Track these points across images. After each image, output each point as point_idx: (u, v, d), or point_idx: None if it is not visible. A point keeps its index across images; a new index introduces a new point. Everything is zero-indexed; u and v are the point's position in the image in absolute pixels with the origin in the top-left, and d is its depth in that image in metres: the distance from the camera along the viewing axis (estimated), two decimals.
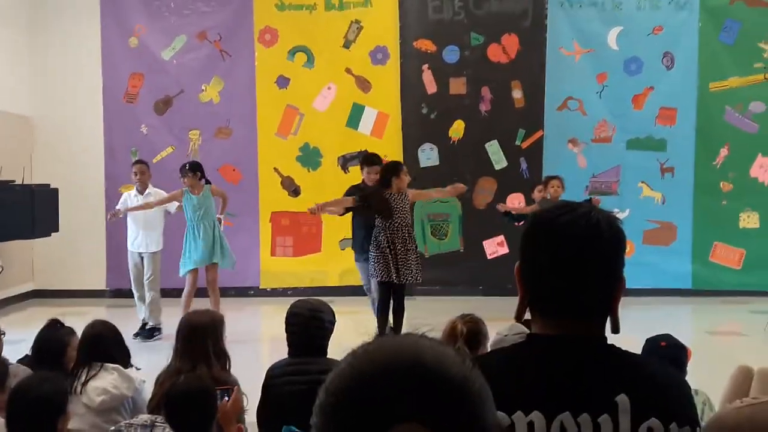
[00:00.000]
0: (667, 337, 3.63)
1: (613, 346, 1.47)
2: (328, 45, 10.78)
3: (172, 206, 8.34)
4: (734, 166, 10.58)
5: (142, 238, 8.30)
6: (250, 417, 3.65)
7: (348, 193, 7.70)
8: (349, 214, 7.83)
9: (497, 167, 10.72)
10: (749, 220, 10.64)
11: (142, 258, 8.31)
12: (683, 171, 10.61)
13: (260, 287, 10.78)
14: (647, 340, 3.62)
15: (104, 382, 3.71)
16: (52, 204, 9.36)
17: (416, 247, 7.33)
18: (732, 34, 10.57)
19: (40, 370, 3.53)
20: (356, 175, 8.52)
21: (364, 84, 10.81)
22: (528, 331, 1.56)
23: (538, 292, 1.50)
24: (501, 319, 3.47)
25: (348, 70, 10.79)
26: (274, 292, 10.59)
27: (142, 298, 8.29)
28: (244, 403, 3.39)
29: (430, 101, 10.74)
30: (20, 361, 4.04)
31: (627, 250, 1.53)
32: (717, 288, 10.35)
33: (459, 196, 8.60)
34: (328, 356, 3.66)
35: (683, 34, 10.58)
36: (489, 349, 3.46)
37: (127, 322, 7.27)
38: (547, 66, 10.59)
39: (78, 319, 4.47)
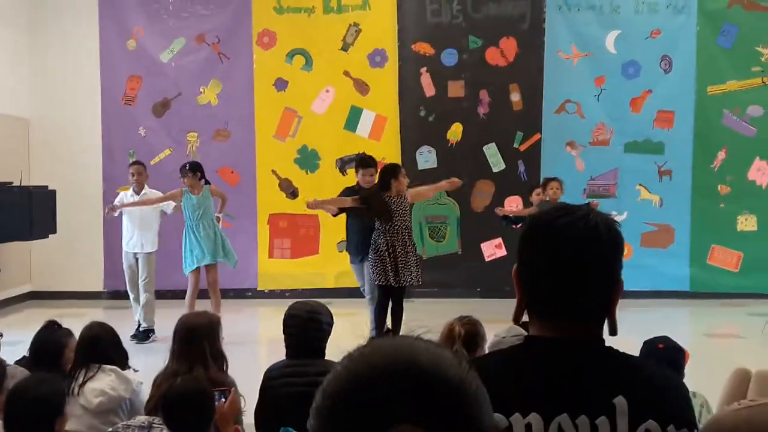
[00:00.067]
0: (665, 340, 3.62)
1: (610, 348, 1.47)
2: (326, 48, 10.78)
3: (169, 207, 8.32)
4: (732, 170, 10.58)
5: (137, 238, 8.27)
6: (248, 418, 3.65)
7: (342, 194, 7.69)
8: (343, 217, 7.82)
9: (495, 170, 10.71)
10: (747, 223, 10.64)
11: (137, 259, 8.27)
12: (681, 174, 10.61)
13: (258, 289, 10.77)
14: (645, 343, 3.62)
15: (102, 383, 3.71)
16: (50, 206, 9.31)
17: (416, 249, 7.34)
18: (730, 38, 10.58)
19: (37, 371, 3.52)
20: (354, 177, 8.52)
21: (362, 87, 10.81)
22: (526, 334, 1.56)
23: (536, 295, 1.50)
24: (499, 321, 3.47)
25: (346, 73, 10.79)
26: (272, 294, 10.58)
27: (137, 300, 8.27)
28: (242, 405, 3.38)
29: (428, 104, 10.74)
30: (18, 362, 4.03)
31: (625, 253, 1.54)
32: (715, 290, 10.35)
33: (455, 190, 8.62)
34: (325, 358, 3.66)
35: (681, 38, 10.58)
36: (487, 351, 3.45)
37: (124, 323, 7.28)
38: (545, 69, 10.58)
39: (75, 320, 4.46)
